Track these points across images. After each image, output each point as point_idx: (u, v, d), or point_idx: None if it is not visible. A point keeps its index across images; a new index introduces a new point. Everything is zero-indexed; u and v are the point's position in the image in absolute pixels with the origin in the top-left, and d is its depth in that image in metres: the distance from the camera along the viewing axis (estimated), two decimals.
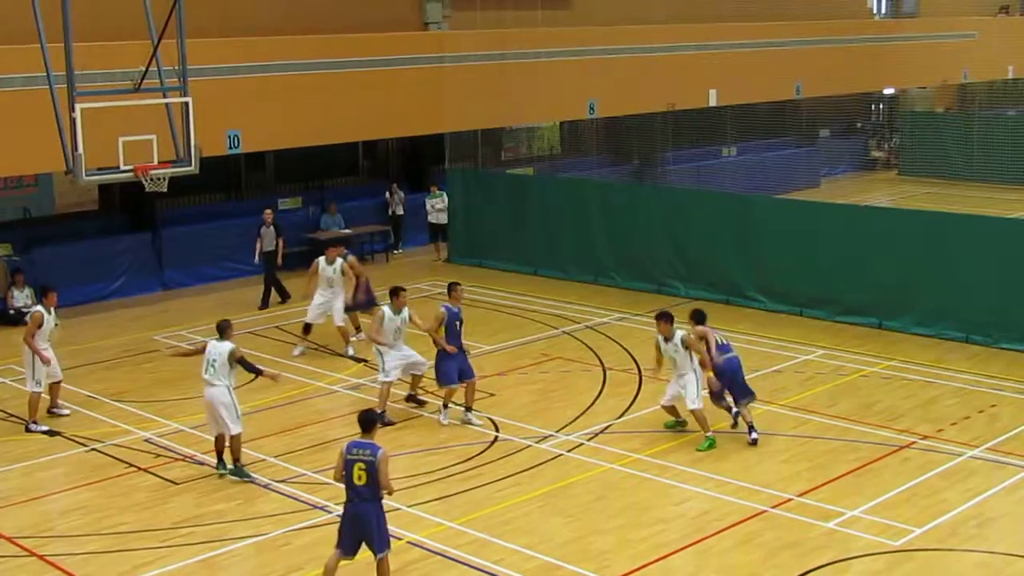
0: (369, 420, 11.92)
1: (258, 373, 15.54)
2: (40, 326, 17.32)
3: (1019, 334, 20.14)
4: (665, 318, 16.13)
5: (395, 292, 17.33)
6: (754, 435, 16.05)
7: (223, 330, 15.32)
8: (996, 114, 44.53)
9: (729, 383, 16.35)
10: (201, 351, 15.38)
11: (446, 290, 17.66)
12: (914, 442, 16.13)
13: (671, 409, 16.54)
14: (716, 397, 16.44)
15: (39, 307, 17.57)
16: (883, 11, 45.68)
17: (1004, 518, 13.81)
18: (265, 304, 24.41)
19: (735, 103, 36.24)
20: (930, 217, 23.25)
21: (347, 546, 11.73)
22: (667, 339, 16.11)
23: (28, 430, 17.26)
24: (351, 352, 20.72)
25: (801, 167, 40.19)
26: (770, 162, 39.22)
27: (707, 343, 16.27)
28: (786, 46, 36.32)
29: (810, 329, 21.94)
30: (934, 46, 41.54)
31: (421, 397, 18.04)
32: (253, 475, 15.27)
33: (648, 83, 32.40)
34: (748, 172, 37.44)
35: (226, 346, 15.13)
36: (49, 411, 17.73)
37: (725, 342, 16.62)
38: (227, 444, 15.28)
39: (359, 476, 11.49)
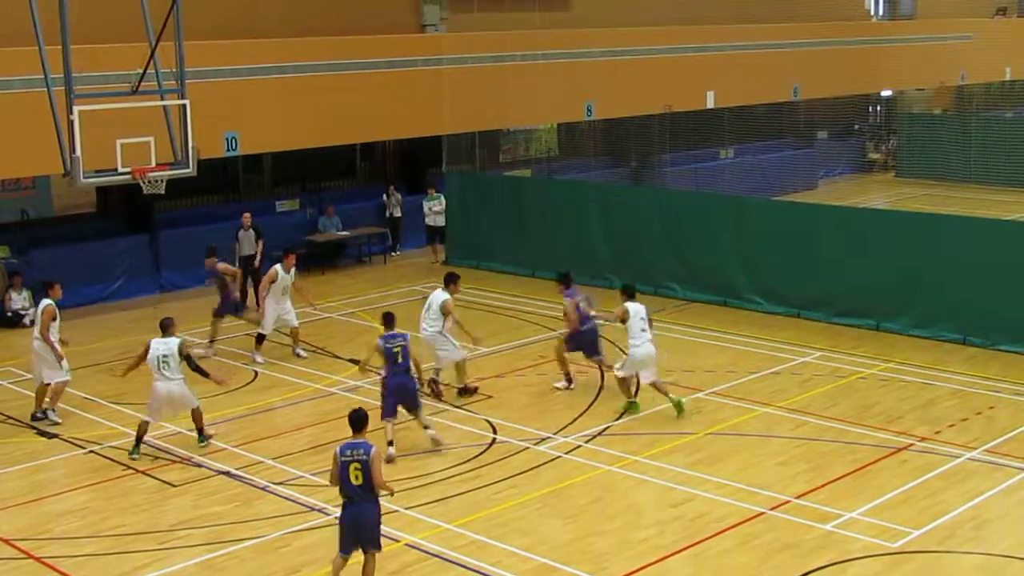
0: (359, 420, 11.94)
1: (203, 374, 16.35)
2: (54, 319, 17.50)
3: (1016, 335, 20.14)
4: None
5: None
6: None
7: (167, 327, 16.12)
8: (993, 116, 44.56)
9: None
10: (144, 354, 16.03)
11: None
12: (912, 444, 16.14)
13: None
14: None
15: (49, 300, 17.70)
16: (880, 13, 45.76)
17: (1002, 519, 13.82)
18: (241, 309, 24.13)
19: (732, 105, 36.30)
20: (927, 219, 23.25)
21: (348, 546, 11.80)
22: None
23: (45, 417, 17.56)
24: (302, 353, 20.83)
25: (799, 169, 40.18)
26: (767, 164, 39.23)
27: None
28: (783, 48, 36.39)
29: (808, 331, 21.94)
30: (931, 48, 41.62)
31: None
32: (215, 441, 16.47)
33: (645, 85, 32.45)
34: (746, 174, 37.44)
35: (174, 341, 15.98)
36: (44, 412, 17.73)
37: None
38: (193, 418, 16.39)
39: (355, 476, 11.55)
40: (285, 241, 27.41)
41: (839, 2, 40.43)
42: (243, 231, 24.74)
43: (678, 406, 17.30)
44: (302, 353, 20.81)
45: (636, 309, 17.48)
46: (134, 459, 15.99)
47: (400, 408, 15.98)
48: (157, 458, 16.17)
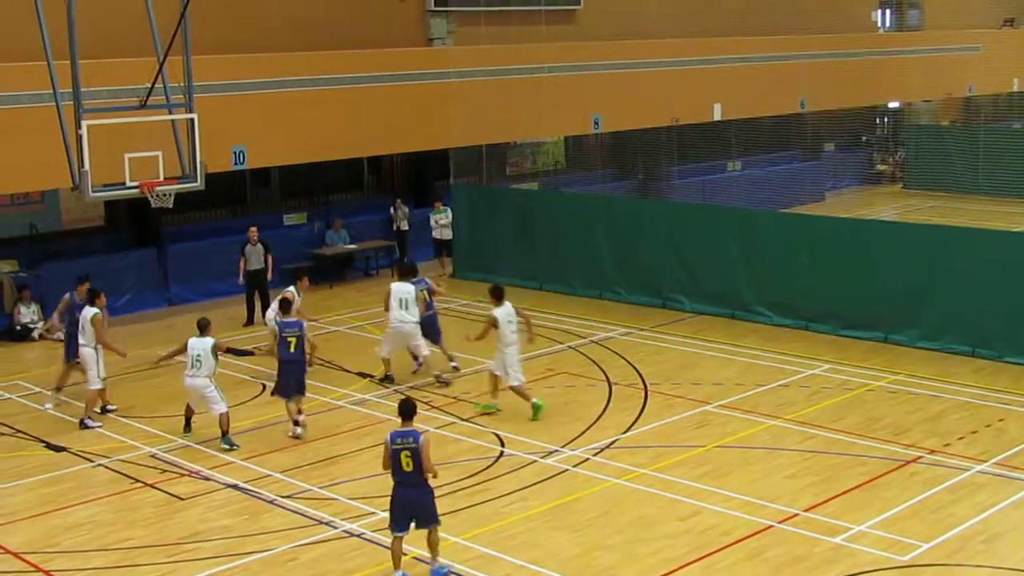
0: (408, 409, 12.83)
1: (248, 354, 17.79)
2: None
3: None
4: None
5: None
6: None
7: (204, 328, 17.15)
8: (1001, 127, 44.54)
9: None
10: (183, 349, 17.15)
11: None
12: (921, 456, 16.11)
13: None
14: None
15: (95, 309, 18.27)
16: (887, 24, 45.73)
17: (1012, 533, 13.78)
18: (250, 320, 24.49)
19: (739, 117, 36.31)
20: (935, 231, 23.24)
21: (403, 524, 12.62)
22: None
23: (85, 426, 18.03)
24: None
25: (806, 181, 40.17)
26: (775, 176, 39.21)
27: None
28: (790, 60, 36.38)
29: (816, 343, 21.92)
30: (938, 59, 41.61)
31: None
32: (236, 444, 16.98)
33: (652, 98, 32.48)
34: (753, 186, 37.42)
35: (208, 341, 17.00)
36: (90, 417, 18.21)
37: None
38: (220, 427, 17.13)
39: (407, 463, 12.42)
40: (293, 254, 27.51)
41: (846, 14, 40.43)
42: (251, 245, 24.69)
43: (536, 409, 17.99)
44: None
45: (506, 313, 18.13)
46: (187, 436, 17.45)
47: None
48: (165, 471, 16.19)
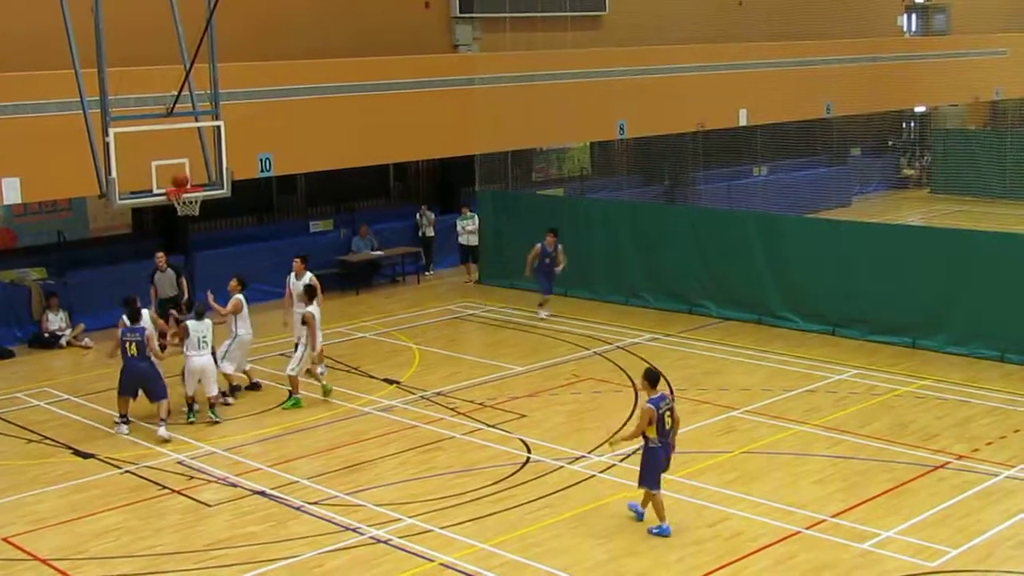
0: (656, 375, 14.10)
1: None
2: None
3: None
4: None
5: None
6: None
7: (202, 313, 18.67)
8: None
9: None
10: (186, 333, 18.40)
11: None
12: (949, 462, 16.01)
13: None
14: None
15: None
16: (913, 29, 45.57)
17: None
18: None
19: (765, 122, 36.21)
20: (963, 235, 23.08)
21: (658, 482, 13.97)
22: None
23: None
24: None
25: (832, 186, 40.06)
26: (801, 181, 39.09)
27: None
28: (816, 65, 36.30)
29: (843, 349, 21.83)
30: (965, 63, 41.40)
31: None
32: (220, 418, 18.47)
33: (678, 103, 32.45)
34: (779, 191, 37.28)
35: (207, 324, 18.56)
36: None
37: None
38: (208, 399, 18.59)
39: (668, 422, 13.86)
40: (319, 261, 27.58)
41: (871, 19, 40.32)
42: (159, 272, 22.97)
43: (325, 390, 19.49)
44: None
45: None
46: (191, 423, 18.38)
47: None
48: (192, 478, 16.23)
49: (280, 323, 21.57)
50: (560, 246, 24.84)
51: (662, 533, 13.81)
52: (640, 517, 14.22)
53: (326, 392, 19.54)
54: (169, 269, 23.14)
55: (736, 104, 34.09)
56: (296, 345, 19.92)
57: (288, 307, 20.99)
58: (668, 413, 13.86)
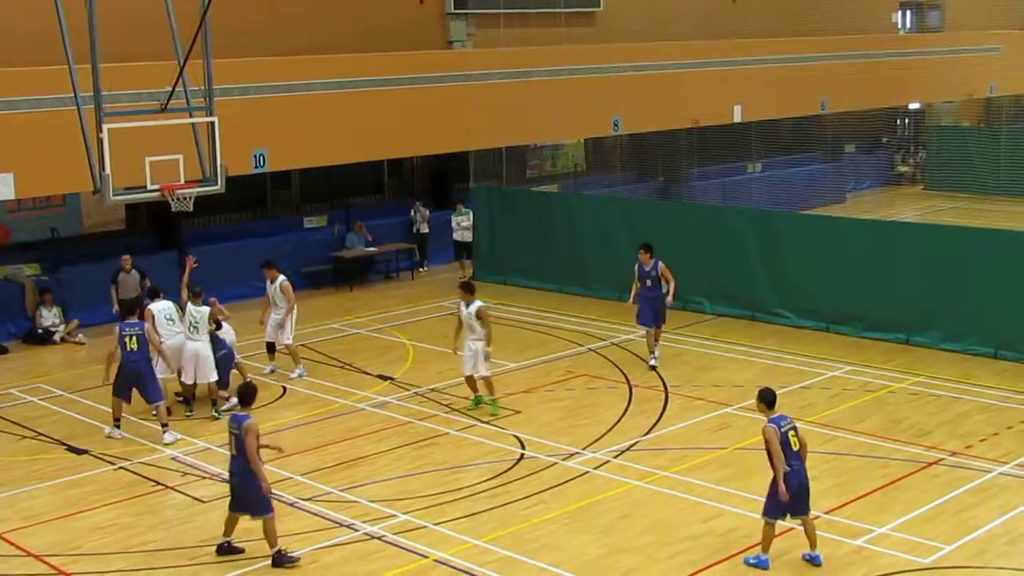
0: (773, 396, 13.06)
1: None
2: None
3: None
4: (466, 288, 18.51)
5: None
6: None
7: (198, 295, 18.61)
8: (1023, 128, 44.27)
9: None
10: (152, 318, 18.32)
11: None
12: (943, 458, 16.04)
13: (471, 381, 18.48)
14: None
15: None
16: (908, 26, 45.60)
17: None
18: None
19: (760, 119, 36.22)
20: (957, 232, 23.12)
21: (783, 513, 12.88)
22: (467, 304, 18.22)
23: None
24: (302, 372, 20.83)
25: (826, 182, 40.09)
26: (795, 178, 39.13)
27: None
28: (810, 62, 36.28)
29: (836, 345, 21.86)
30: (959, 60, 41.42)
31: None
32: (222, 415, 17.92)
33: (672, 99, 32.41)
34: (773, 188, 37.35)
35: (204, 309, 18.50)
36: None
37: None
38: (208, 392, 18.59)
39: (794, 442, 12.84)
40: (313, 257, 27.56)
41: (866, 16, 40.33)
42: (124, 273, 23.36)
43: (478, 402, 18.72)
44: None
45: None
46: (189, 416, 18.52)
47: None
48: (186, 474, 16.23)
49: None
50: (661, 264, 20.89)
51: (759, 565, 12.87)
52: (817, 561, 12.96)
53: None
54: (134, 271, 23.55)
55: (730, 100, 34.05)
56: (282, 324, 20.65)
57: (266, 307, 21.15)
58: (792, 433, 12.82)
